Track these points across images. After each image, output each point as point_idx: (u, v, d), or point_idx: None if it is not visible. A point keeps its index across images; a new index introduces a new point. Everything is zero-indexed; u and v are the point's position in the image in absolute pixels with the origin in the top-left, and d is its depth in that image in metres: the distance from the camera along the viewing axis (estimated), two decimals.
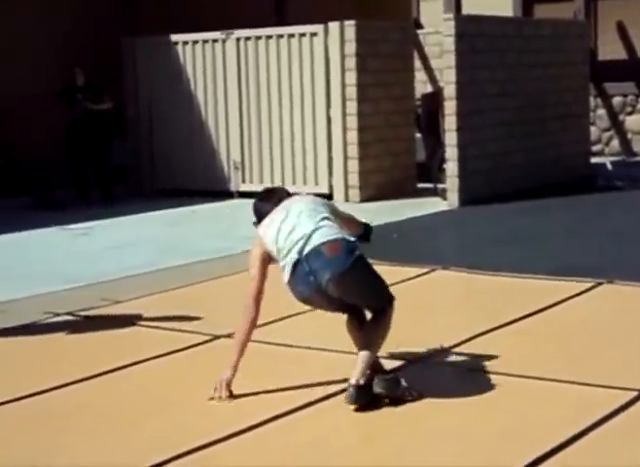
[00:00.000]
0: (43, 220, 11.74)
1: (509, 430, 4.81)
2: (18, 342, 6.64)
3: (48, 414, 5.25)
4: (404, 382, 5.20)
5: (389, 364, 5.79)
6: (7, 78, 13.89)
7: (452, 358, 5.96)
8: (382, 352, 5.86)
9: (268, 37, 13.34)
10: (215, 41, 13.74)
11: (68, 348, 6.52)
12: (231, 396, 5.23)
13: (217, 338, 6.54)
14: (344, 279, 5.19)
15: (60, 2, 14.67)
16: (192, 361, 6.14)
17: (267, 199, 5.58)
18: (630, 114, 17.59)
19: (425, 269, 8.46)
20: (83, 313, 7.35)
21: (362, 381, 5.07)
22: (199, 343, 6.38)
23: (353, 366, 5.15)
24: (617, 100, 17.61)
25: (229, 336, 6.53)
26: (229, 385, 5.24)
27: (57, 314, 7.34)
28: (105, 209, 12.70)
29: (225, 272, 8.42)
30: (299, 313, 6.73)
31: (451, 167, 12.42)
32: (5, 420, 5.20)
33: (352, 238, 5.40)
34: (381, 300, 5.36)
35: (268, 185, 13.16)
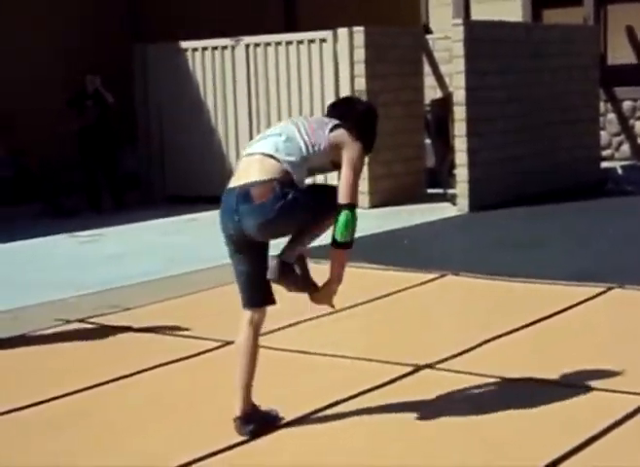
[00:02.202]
0: (53, 227, 11.77)
1: (523, 434, 4.80)
2: (29, 349, 6.65)
3: (58, 421, 5.26)
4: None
5: (399, 370, 5.79)
6: (18, 84, 13.92)
7: (463, 363, 5.95)
8: (392, 358, 5.86)
9: (278, 43, 13.35)
10: (224, 48, 13.76)
11: (79, 355, 6.53)
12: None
13: (228, 343, 6.54)
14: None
15: (72, 8, 14.72)
16: (202, 367, 6.14)
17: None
18: None
19: (435, 275, 8.45)
20: (93, 320, 7.36)
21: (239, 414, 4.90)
22: (210, 350, 6.37)
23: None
24: (627, 105, 17.57)
25: None
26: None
27: (68, 321, 7.35)
28: (115, 216, 12.72)
29: (229, 281, 8.40)
30: (309, 319, 6.74)
31: (461, 173, 12.40)
32: (17, 426, 5.21)
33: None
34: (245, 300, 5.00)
35: None
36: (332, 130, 4.94)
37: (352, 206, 4.82)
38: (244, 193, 4.82)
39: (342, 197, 4.81)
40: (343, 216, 4.79)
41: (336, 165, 4.97)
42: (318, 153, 4.89)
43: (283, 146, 4.85)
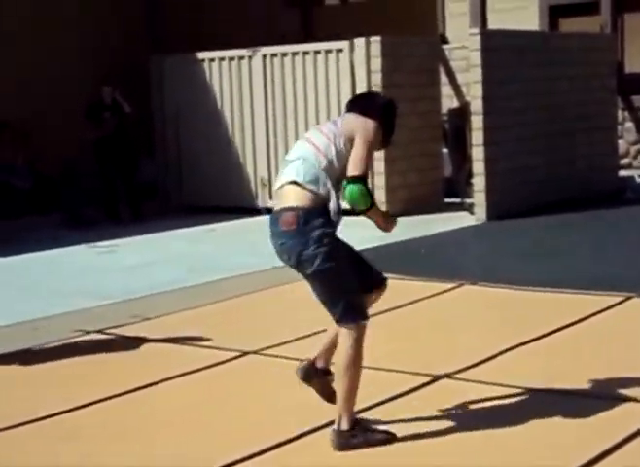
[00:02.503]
0: (72, 237, 11.83)
1: (541, 443, 4.80)
2: (50, 360, 6.68)
3: (78, 431, 5.28)
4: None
5: (417, 380, 5.80)
6: (36, 94, 14.00)
7: (481, 373, 5.95)
8: (409, 368, 5.87)
9: (294, 54, 13.39)
10: (241, 58, 13.80)
11: (99, 366, 6.55)
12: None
13: (246, 354, 6.56)
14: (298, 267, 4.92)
15: (90, 19, 14.81)
16: (221, 377, 6.16)
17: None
18: None
19: (453, 285, 8.45)
20: (112, 331, 7.39)
21: (344, 427, 4.84)
22: (229, 360, 6.39)
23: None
24: None
25: (256, 352, 6.57)
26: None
27: (88, 332, 7.38)
28: (133, 226, 12.77)
29: (253, 289, 8.44)
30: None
31: (478, 182, 12.40)
32: (37, 437, 5.24)
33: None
34: (336, 310, 4.88)
35: None
36: (343, 121, 4.99)
37: (361, 179, 4.84)
38: (274, 219, 4.95)
39: (352, 169, 4.83)
40: (353, 189, 4.80)
41: None
42: (338, 156, 4.89)
43: (302, 168, 4.88)
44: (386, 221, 5.06)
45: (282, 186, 4.96)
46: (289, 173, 4.93)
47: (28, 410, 5.59)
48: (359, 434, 4.83)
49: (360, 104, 5.14)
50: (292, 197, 4.87)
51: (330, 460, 4.75)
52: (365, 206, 4.87)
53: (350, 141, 4.91)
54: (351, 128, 4.94)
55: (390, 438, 4.89)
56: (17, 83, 13.98)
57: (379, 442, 4.85)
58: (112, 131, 13.41)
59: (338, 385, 4.86)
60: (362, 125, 4.94)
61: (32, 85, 14.13)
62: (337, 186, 4.92)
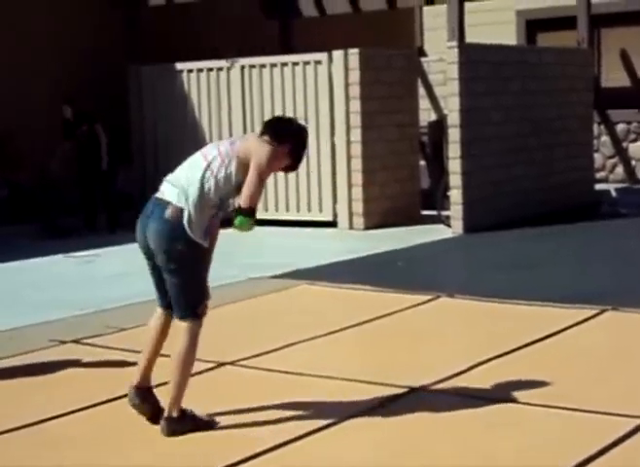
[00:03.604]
0: (49, 247, 11.79)
1: (516, 456, 4.81)
2: (24, 370, 6.65)
3: (52, 442, 5.26)
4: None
5: (392, 391, 5.81)
6: (10, 101, 13.95)
7: (457, 386, 5.96)
8: (385, 380, 5.88)
9: (273, 65, 13.41)
10: (220, 69, 13.81)
11: (74, 376, 6.53)
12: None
13: (222, 364, 6.55)
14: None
15: (67, 28, 14.76)
16: (196, 388, 6.14)
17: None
18: (634, 141, 17.63)
19: (429, 297, 8.47)
20: (88, 341, 7.37)
21: (174, 414, 5.19)
22: (204, 371, 6.38)
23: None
24: (620, 127, 17.65)
25: (233, 363, 6.56)
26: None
27: (63, 342, 7.35)
28: (111, 236, 12.73)
29: (229, 300, 8.43)
30: (302, 341, 6.74)
31: (455, 195, 12.45)
32: (11, 447, 5.21)
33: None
34: (181, 309, 5.24)
35: (271, 212, 13.22)
36: (241, 141, 5.21)
37: (249, 211, 5.04)
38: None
39: (243, 200, 5.05)
40: (243, 222, 5.06)
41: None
42: (225, 178, 5.11)
43: (187, 191, 5.20)
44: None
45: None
46: (171, 191, 5.24)
47: (6, 418, 5.55)
48: (187, 420, 5.19)
49: (273, 128, 5.28)
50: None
51: (324, 462, 4.76)
52: (249, 230, 5.14)
53: (243, 164, 5.09)
54: (247, 151, 5.12)
55: (213, 424, 5.26)
56: None
57: (205, 426, 5.22)
58: (85, 139, 13.39)
59: (174, 376, 5.19)
60: (257, 150, 5.11)
61: (7, 95, 14.07)
62: (221, 204, 5.16)
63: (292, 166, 5.34)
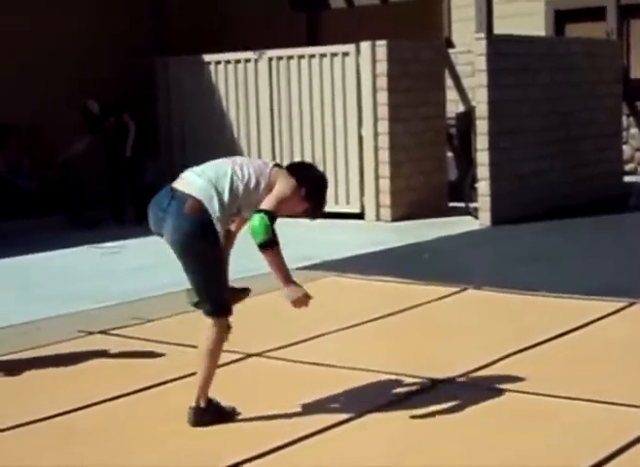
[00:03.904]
0: (75, 239, 11.84)
1: (542, 448, 4.80)
2: (52, 360, 6.69)
3: (81, 432, 5.29)
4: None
5: (418, 384, 5.80)
6: (40, 96, 14.00)
7: (484, 378, 5.95)
8: (411, 372, 5.88)
9: (300, 57, 13.41)
10: (247, 61, 13.82)
11: (101, 367, 6.56)
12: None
13: (249, 356, 6.57)
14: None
15: (95, 20, 14.79)
16: (224, 380, 6.16)
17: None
18: None
19: (457, 289, 8.45)
20: (115, 332, 7.40)
21: (201, 404, 5.25)
22: (232, 362, 6.39)
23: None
24: None
25: (260, 354, 6.58)
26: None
27: (90, 333, 7.39)
28: (138, 228, 12.75)
29: (256, 292, 8.42)
30: (330, 332, 6.74)
31: (483, 187, 12.41)
32: (38, 438, 5.24)
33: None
34: (206, 304, 5.29)
35: None
36: (272, 169, 5.24)
37: (267, 212, 5.03)
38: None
39: (264, 204, 5.07)
40: (256, 219, 5.01)
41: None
42: (247, 191, 5.15)
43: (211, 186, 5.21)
44: (296, 290, 5.18)
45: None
46: (194, 182, 5.25)
47: (31, 410, 5.59)
48: (213, 411, 5.25)
49: (294, 169, 5.35)
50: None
51: (336, 461, 4.76)
52: (260, 239, 5.00)
53: (269, 187, 5.17)
54: (275, 177, 5.20)
55: (236, 415, 5.32)
56: (21, 86, 13.96)
57: (229, 417, 5.29)
58: (112, 132, 13.43)
59: (200, 367, 5.24)
60: (282, 180, 5.19)
61: (41, 89, 14.10)
62: (236, 213, 5.22)
63: (311, 212, 5.41)
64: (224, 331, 5.30)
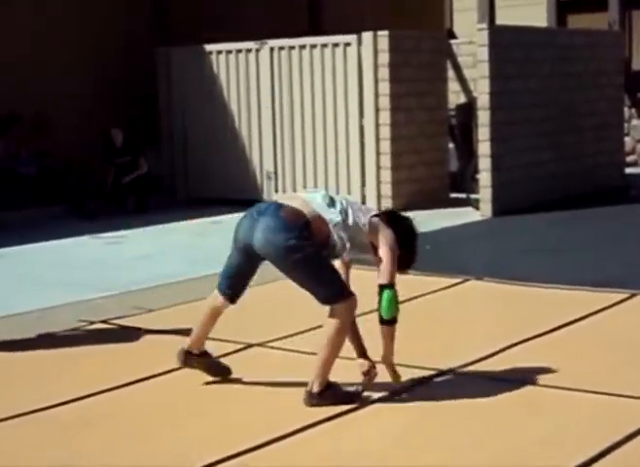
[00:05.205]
0: (76, 228, 11.84)
1: (543, 439, 4.79)
2: (52, 349, 6.68)
3: (80, 422, 5.28)
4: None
5: (421, 374, 5.79)
6: (42, 85, 13.98)
7: (485, 369, 5.94)
8: (413, 362, 5.88)
9: (302, 47, 13.37)
10: (249, 51, 13.79)
11: (102, 356, 6.55)
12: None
13: (250, 346, 6.56)
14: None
15: (95, 10, 14.76)
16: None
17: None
18: None
19: (458, 280, 8.44)
20: (116, 321, 7.40)
21: (314, 389, 5.27)
22: (233, 352, 6.39)
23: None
24: None
25: (261, 345, 6.57)
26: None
27: (92, 322, 7.39)
28: (139, 218, 12.76)
29: (256, 282, 8.42)
30: None
31: (484, 178, 12.40)
32: (34, 428, 5.23)
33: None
34: (324, 296, 5.29)
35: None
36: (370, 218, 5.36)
37: (392, 286, 5.25)
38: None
39: (384, 278, 5.26)
40: (386, 295, 5.24)
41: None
42: (353, 224, 5.29)
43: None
44: (387, 364, 5.45)
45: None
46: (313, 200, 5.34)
47: (23, 400, 5.58)
48: (327, 395, 5.26)
49: (391, 222, 5.44)
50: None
51: (337, 452, 4.75)
52: (389, 316, 5.28)
53: (370, 232, 5.31)
54: (373, 225, 5.33)
55: (356, 394, 5.35)
56: (30, 76, 13.95)
57: (349, 399, 5.31)
58: (124, 169, 13.70)
59: (321, 353, 5.26)
60: (384, 231, 5.31)
61: (44, 78, 14.08)
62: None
63: (404, 264, 5.49)
64: (346, 318, 5.30)
